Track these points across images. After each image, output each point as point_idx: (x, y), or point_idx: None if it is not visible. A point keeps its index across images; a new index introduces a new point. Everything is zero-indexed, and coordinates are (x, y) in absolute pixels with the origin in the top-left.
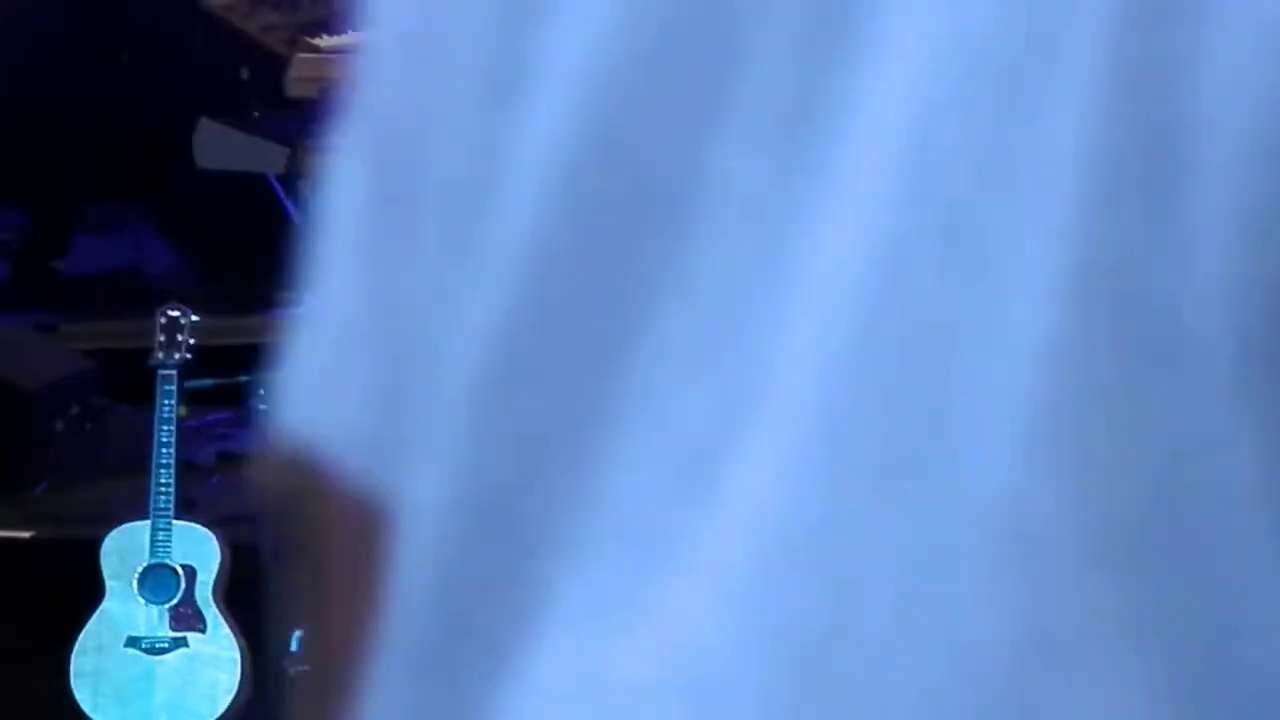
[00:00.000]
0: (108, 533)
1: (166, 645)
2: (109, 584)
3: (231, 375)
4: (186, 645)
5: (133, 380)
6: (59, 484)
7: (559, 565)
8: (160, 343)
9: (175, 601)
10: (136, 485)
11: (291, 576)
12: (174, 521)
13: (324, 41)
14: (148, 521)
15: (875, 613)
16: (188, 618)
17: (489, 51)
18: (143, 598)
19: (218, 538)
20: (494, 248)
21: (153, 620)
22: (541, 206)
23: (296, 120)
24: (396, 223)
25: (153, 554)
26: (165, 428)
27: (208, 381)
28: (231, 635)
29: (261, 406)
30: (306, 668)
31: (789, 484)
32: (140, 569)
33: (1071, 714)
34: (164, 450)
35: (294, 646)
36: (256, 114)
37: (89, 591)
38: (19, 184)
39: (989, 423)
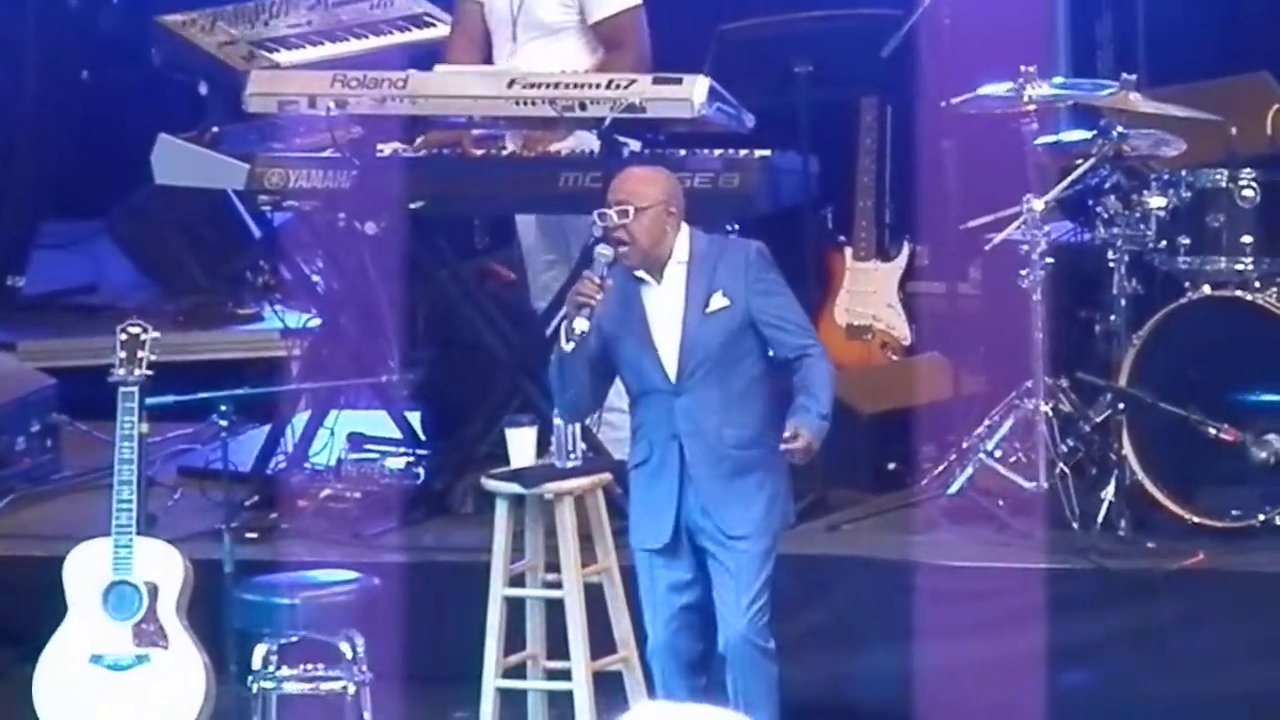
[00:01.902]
0: (69, 550)
1: (130, 662)
2: (71, 601)
3: (192, 392)
4: (149, 661)
5: (93, 397)
6: (19, 502)
7: None
8: (120, 359)
9: (138, 618)
10: (98, 502)
11: None
12: (136, 538)
13: (282, 57)
14: (110, 538)
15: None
16: (151, 634)
17: None
18: (106, 614)
19: (181, 554)
20: None
21: (116, 637)
22: None
23: (256, 136)
24: None
25: (115, 570)
26: (126, 444)
27: (168, 398)
28: (195, 651)
29: (222, 423)
30: None
31: None
32: (103, 586)
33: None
34: (125, 467)
35: (256, 664)
36: (215, 129)
37: (51, 609)
38: None
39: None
